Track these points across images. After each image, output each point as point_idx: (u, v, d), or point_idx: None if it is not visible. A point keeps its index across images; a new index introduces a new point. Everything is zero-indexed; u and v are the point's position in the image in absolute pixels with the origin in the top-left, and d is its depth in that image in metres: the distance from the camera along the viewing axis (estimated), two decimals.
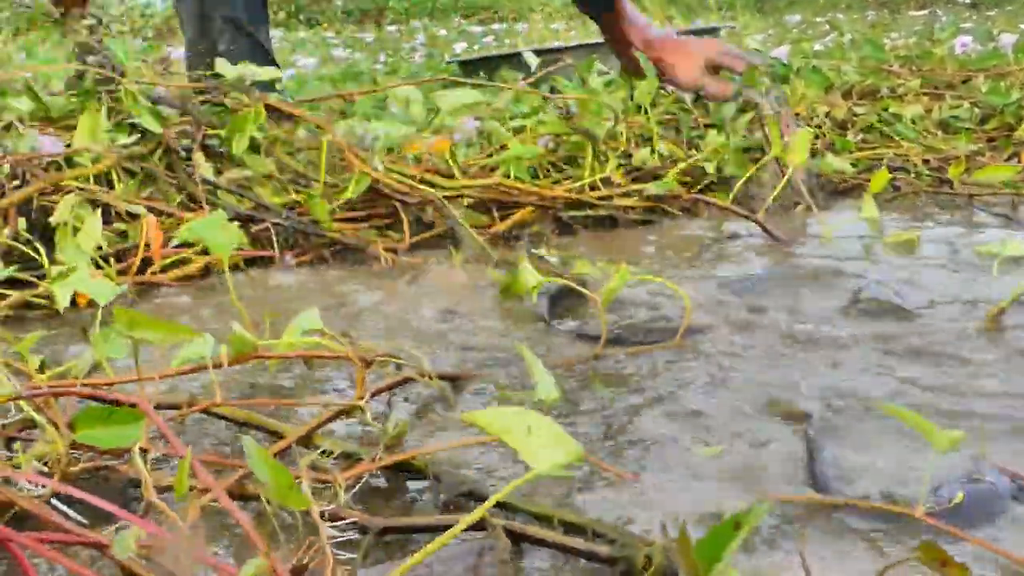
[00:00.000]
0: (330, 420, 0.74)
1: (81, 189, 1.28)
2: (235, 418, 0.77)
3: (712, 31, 2.70)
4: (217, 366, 0.68)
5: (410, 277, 1.36)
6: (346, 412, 0.75)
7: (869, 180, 1.60)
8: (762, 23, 8.10)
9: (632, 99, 1.79)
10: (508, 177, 1.61)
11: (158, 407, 0.71)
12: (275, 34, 7.27)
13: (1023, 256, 1.22)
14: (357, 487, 0.67)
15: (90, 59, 1.48)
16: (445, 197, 1.51)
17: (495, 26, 8.30)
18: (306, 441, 0.72)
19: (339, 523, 0.59)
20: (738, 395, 0.87)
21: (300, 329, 0.75)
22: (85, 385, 0.65)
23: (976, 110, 2.21)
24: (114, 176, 1.39)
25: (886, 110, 2.16)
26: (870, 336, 1.03)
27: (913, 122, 2.08)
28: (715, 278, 1.29)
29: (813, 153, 1.76)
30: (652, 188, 1.65)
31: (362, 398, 0.73)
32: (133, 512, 0.56)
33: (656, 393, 0.89)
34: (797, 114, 1.96)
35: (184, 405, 0.73)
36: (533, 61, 1.97)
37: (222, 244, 0.84)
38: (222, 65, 1.57)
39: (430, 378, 0.82)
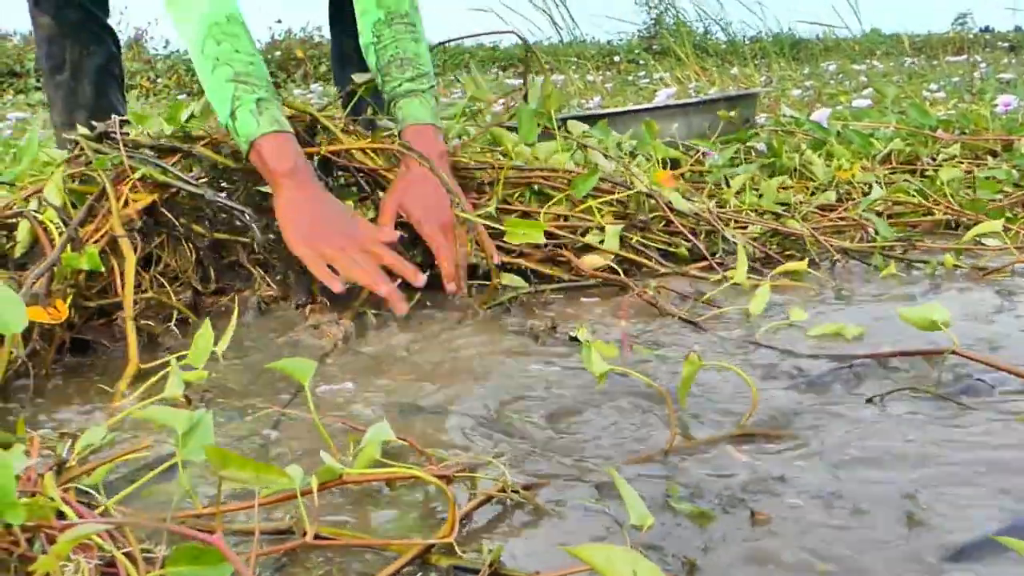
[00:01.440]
0: (419, 556, 0.76)
1: None
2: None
3: (751, 97, 2.72)
4: (305, 493, 0.71)
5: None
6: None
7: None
8: (797, 73, 8.12)
9: None
10: None
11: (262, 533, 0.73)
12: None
13: None
14: None
15: None
16: None
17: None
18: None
19: None
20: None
21: (377, 447, 0.77)
22: (175, 519, 0.67)
23: (1015, 172, 2.22)
24: None
25: (923, 175, 2.18)
26: None
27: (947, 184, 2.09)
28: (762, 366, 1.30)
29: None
30: None
31: (452, 529, 0.75)
32: None
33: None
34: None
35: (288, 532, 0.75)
36: None
37: None
38: None
39: (513, 491, 0.84)
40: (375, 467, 0.85)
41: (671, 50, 9.75)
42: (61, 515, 0.69)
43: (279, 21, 11.90)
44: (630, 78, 8.89)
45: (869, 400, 1.11)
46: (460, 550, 0.76)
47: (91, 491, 0.80)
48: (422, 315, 1.59)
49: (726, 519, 0.82)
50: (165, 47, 11.77)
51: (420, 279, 1.52)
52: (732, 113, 2.50)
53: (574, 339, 1.43)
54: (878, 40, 12.39)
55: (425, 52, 1.73)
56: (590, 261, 1.76)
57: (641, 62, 10.72)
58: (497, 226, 1.67)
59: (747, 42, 11.67)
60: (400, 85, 1.70)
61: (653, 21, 12.50)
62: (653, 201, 1.87)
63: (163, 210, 1.61)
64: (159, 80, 9.38)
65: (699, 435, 1.04)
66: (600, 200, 1.83)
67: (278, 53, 10.28)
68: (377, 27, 1.72)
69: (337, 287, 1.47)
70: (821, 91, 4.85)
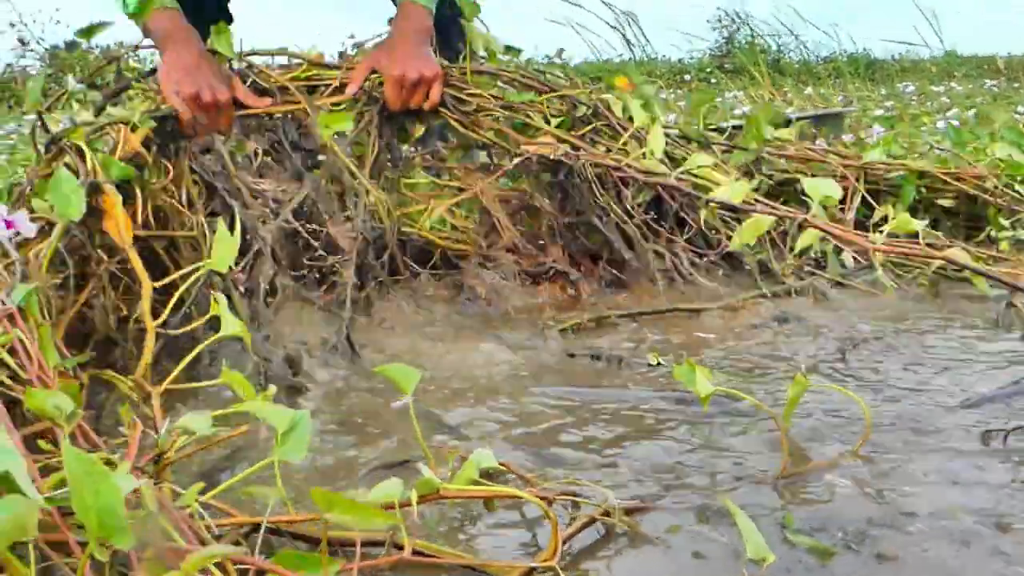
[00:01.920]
0: None
1: None
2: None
3: (837, 116, 2.65)
4: (404, 505, 0.69)
5: None
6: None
7: None
8: (875, 93, 7.97)
9: None
10: None
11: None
12: None
13: None
14: None
15: None
16: None
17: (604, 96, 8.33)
18: None
19: None
20: None
21: (476, 468, 0.74)
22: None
23: None
24: None
25: None
26: None
27: None
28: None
29: None
30: None
31: (555, 553, 0.72)
32: None
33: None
34: None
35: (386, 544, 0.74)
36: None
37: None
38: None
39: (614, 514, 0.81)
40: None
41: (744, 69, 9.65)
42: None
43: (352, 36, 11.88)
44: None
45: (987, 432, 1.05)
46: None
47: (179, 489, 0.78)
48: (496, 336, 1.56)
49: (849, 557, 0.77)
50: None
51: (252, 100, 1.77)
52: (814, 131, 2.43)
53: (657, 364, 1.39)
54: (956, 61, 12.13)
55: None
56: None
57: (713, 80, 10.62)
58: None
59: (821, 62, 11.50)
60: None
61: (725, 40, 12.38)
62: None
63: None
64: None
65: (810, 458, 0.99)
66: None
67: None
68: None
69: (181, 108, 1.66)
70: (904, 112, 4.73)
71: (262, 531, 0.72)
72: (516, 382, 1.33)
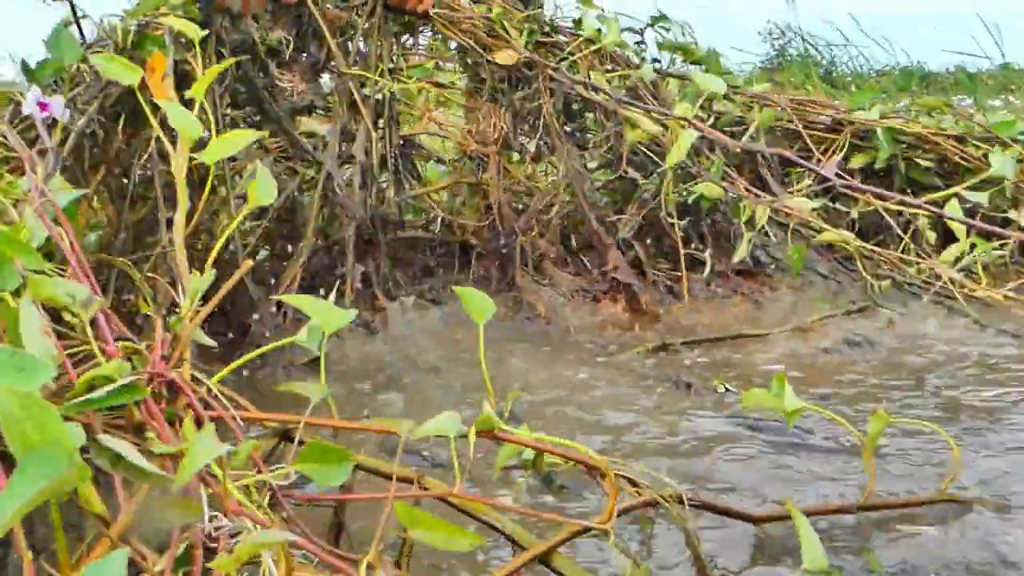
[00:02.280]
0: (572, 537, 0.73)
1: None
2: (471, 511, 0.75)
3: None
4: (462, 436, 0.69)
5: None
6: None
7: None
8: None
9: None
10: None
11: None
12: None
13: None
14: None
15: None
16: None
17: None
18: (547, 556, 0.70)
19: None
20: None
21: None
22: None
23: None
24: None
25: None
26: None
27: None
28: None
29: None
30: None
31: (609, 519, 0.70)
32: None
33: None
34: None
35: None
36: None
37: None
38: None
39: (670, 502, 0.78)
40: None
41: (796, 83, 9.54)
42: None
43: None
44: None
45: None
46: None
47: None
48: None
49: None
50: None
51: None
52: None
53: (728, 390, 1.35)
54: (1013, 74, 11.89)
55: None
56: None
57: None
58: None
59: (873, 74, 11.35)
60: None
61: (777, 52, 12.27)
62: None
63: None
64: None
65: (893, 492, 0.94)
66: None
67: None
68: None
69: None
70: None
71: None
72: (594, 406, 1.30)
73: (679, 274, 1.83)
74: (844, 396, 1.31)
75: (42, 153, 1.03)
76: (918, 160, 2.08)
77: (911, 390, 1.32)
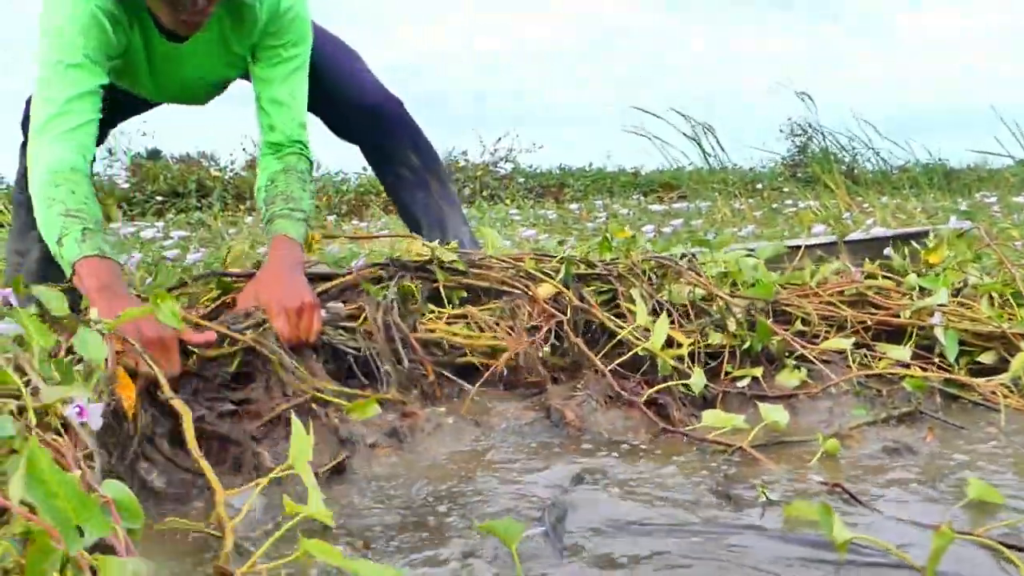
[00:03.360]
0: None
1: None
2: None
3: (922, 235, 2.55)
4: None
5: None
6: None
7: None
8: (952, 204, 7.83)
9: None
10: None
11: None
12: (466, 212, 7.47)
13: None
14: None
15: None
16: None
17: (676, 205, 8.34)
18: None
19: None
20: None
21: None
22: None
23: None
24: None
25: None
26: None
27: None
28: None
29: None
30: None
31: None
32: None
33: None
34: None
35: None
36: None
37: None
38: None
39: None
40: None
41: (818, 178, 9.55)
42: None
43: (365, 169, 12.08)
44: (775, 206, 8.72)
45: None
46: None
47: None
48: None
49: None
50: (318, 168, 12.22)
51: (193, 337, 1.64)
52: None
53: (767, 500, 1.30)
54: None
55: (308, 200, 1.98)
56: None
57: (785, 189, 10.55)
58: None
59: (895, 171, 11.37)
60: (279, 210, 1.94)
61: (798, 148, 12.37)
62: None
63: None
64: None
65: None
66: None
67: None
68: (274, 175, 2.00)
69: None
70: (991, 228, 4.57)
71: None
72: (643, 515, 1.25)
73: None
74: (886, 506, 1.26)
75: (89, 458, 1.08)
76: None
77: (955, 500, 1.27)
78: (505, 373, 1.82)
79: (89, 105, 1.82)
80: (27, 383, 1.15)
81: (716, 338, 1.89)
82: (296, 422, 1.10)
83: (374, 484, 1.43)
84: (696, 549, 1.13)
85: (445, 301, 1.97)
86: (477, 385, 1.76)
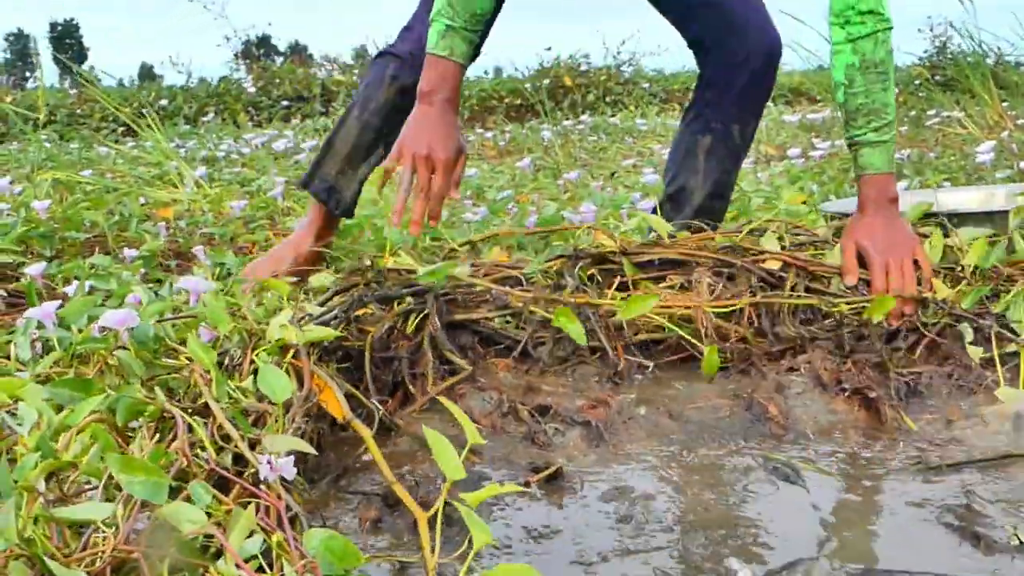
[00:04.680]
0: None
1: None
2: None
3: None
4: None
5: None
6: None
7: None
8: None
9: None
10: None
11: None
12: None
13: None
14: None
15: None
16: None
17: (810, 116, 7.95)
18: None
19: None
20: None
21: None
22: None
23: None
24: None
25: None
26: None
27: None
28: None
29: None
30: None
31: None
32: None
33: None
34: None
35: None
36: None
37: None
38: None
39: None
40: None
41: (961, 84, 8.97)
42: None
43: (548, 48, 11.91)
44: (912, 113, 8.24)
45: None
46: None
47: None
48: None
49: None
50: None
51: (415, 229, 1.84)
52: None
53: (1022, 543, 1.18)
54: None
55: (892, 101, 1.81)
56: None
57: (922, 94, 9.97)
58: None
59: None
60: (864, 134, 1.81)
61: (937, 49, 11.65)
62: None
63: None
64: None
65: None
66: None
67: (547, 81, 10.31)
68: (849, 71, 1.80)
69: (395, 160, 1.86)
70: None
71: None
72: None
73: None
74: None
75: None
76: None
77: None
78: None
79: None
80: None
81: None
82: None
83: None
84: None
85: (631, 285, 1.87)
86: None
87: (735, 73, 2.15)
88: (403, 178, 1.81)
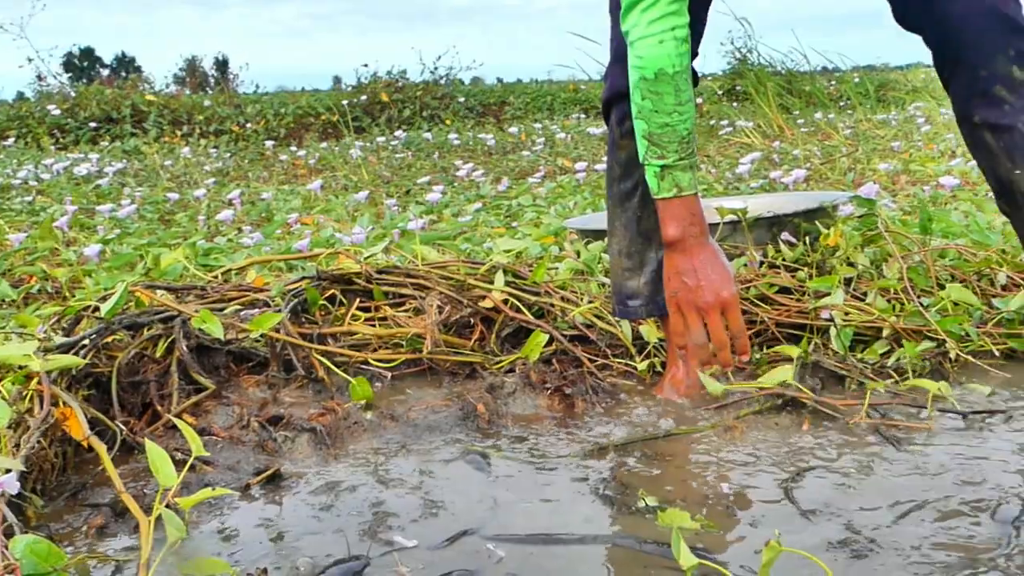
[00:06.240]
0: None
1: None
2: None
3: (820, 211, 2.57)
4: None
5: None
6: None
7: None
8: (884, 130, 7.95)
9: None
10: None
11: None
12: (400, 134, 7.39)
13: None
14: None
15: None
16: None
17: None
18: None
19: None
20: None
21: None
22: None
23: None
24: None
25: None
26: None
27: None
28: None
29: None
30: None
31: None
32: None
33: None
34: None
35: None
36: None
37: None
38: None
39: None
40: None
41: (753, 98, 9.61)
42: None
43: (366, 65, 12.06)
44: (712, 122, 8.80)
45: None
46: None
47: None
48: None
49: None
50: (256, 90, 12.06)
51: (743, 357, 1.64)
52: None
53: (646, 505, 1.44)
54: None
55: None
56: None
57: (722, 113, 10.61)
58: None
59: (831, 85, 11.36)
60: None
61: (738, 61, 12.33)
62: None
63: None
64: (248, 125, 9.61)
65: None
66: None
67: (364, 97, 10.46)
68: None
69: (681, 340, 1.64)
70: (908, 163, 4.74)
71: None
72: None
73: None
74: (751, 504, 1.40)
75: None
76: None
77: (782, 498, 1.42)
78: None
79: None
80: None
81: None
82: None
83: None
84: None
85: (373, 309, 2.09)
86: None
87: None
88: (694, 333, 1.60)
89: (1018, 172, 1.63)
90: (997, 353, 2.02)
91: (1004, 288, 2.24)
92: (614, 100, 1.83)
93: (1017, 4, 1.61)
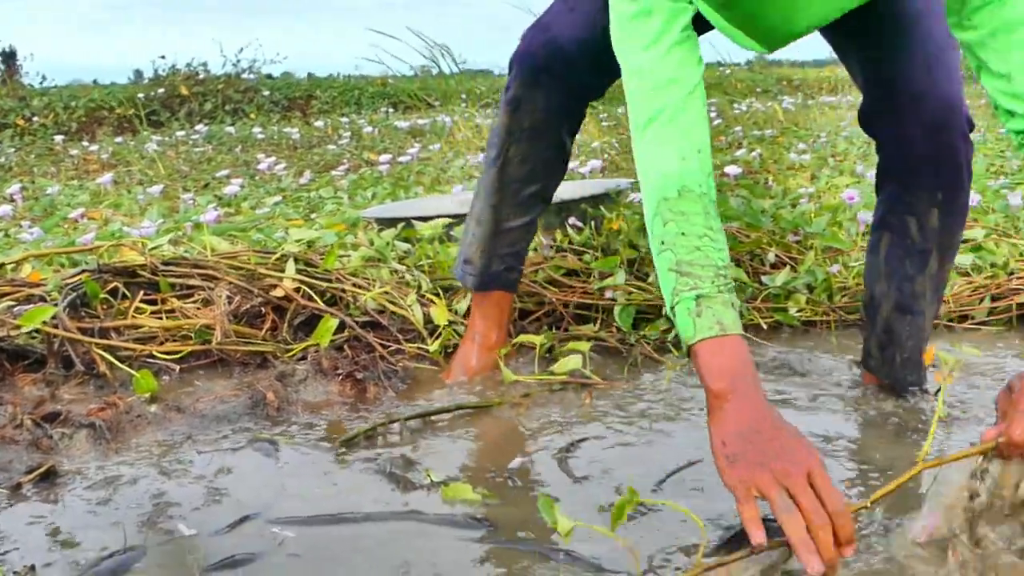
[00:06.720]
0: None
1: None
2: None
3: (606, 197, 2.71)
4: None
5: None
6: None
7: None
8: None
9: None
10: None
11: None
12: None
13: None
14: None
15: None
16: None
17: (421, 121, 8.39)
18: None
19: None
20: None
21: None
22: None
23: None
24: None
25: None
26: None
27: None
28: None
29: None
30: None
31: None
32: None
33: None
34: None
35: None
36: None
37: None
38: None
39: None
40: None
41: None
42: None
43: (163, 57, 11.61)
44: None
45: None
46: None
47: None
48: None
49: None
50: (42, 82, 11.39)
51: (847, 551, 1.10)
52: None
53: (431, 482, 1.47)
54: (759, 78, 12.43)
55: None
56: None
57: None
58: None
59: None
60: None
61: None
62: None
63: None
64: (35, 118, 9.09)
65: None
66: None
67: (161, 90, 10.07)
68: None
69: (759, 538, 1.09)
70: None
71: None
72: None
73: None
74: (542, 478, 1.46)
75: None
76: None
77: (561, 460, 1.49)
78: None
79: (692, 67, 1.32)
80: None
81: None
82: None
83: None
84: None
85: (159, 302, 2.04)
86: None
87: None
88: (780, 504, 1.10)
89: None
90: (765, 326, 2.17)
91: (773, 266, 2.40)
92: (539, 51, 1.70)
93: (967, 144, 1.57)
